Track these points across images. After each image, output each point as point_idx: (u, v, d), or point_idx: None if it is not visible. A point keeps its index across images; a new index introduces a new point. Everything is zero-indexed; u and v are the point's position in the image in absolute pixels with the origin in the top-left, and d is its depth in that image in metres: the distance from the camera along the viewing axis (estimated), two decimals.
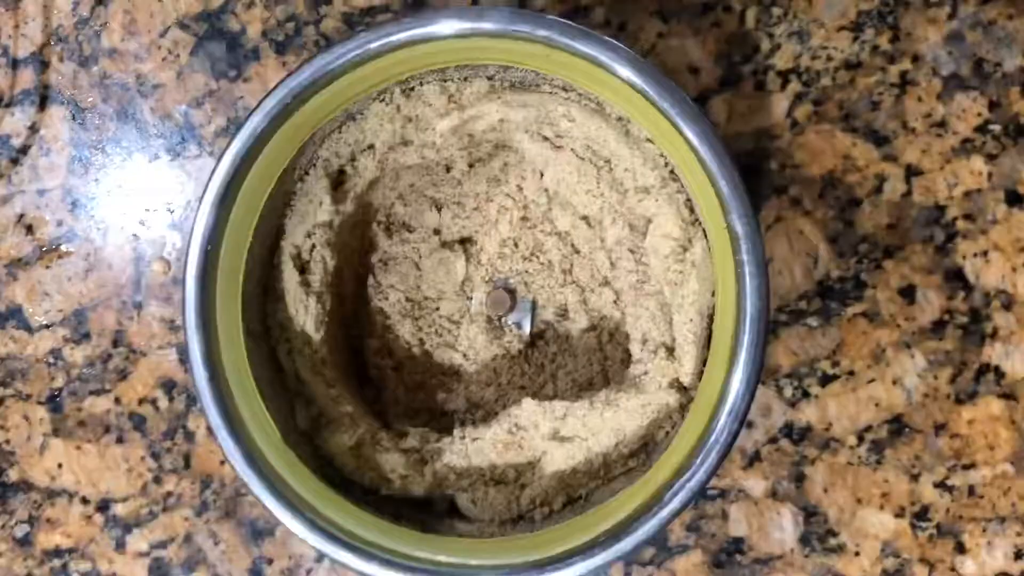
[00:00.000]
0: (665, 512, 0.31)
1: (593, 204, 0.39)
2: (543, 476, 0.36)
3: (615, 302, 0.40)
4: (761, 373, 0.32)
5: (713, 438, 0.32)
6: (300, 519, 0.32)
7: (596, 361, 0.40)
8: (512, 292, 0.41)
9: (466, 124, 0.37)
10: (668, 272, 0.36)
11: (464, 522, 0.36)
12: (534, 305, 0.41)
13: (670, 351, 0.37)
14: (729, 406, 0.32)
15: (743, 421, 0.32)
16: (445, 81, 0.36)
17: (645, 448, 0.37)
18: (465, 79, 0.36)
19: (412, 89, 0.36)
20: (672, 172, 0.36)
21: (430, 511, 0.37)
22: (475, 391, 0.41)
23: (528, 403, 0.36)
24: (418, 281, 0.41)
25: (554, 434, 0.36)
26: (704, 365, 0.35)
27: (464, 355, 0.41)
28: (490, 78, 0.36)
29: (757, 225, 0.31)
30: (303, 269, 0.37)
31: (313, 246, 0.37)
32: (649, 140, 0.36)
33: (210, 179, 0.33)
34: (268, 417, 0.33)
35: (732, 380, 0.32)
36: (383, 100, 0.36)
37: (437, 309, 0.41)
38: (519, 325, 0.41)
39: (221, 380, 0.32)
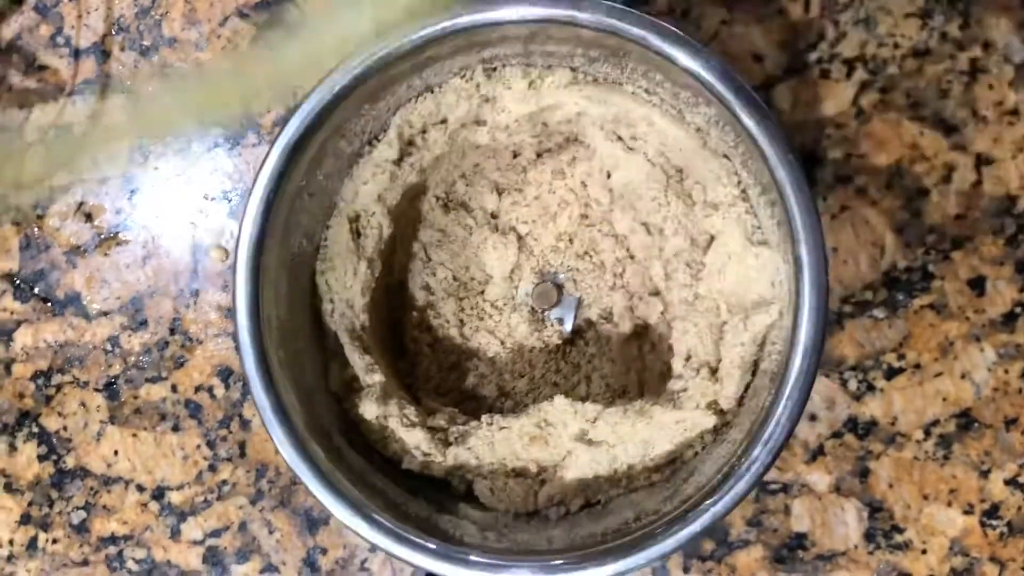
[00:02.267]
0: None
1: (657, 212, 0.38)
2: (564, 476, 0.35)
3: (662, 313, 0.40)
4: (806, 401, 0.31)
5: (744, 466, 0.31)
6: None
7: (634, 370, 0.40)
8: (559, 287, 0.41)
9: (543, 112, 0.36)
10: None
11: (478, 509, 0.35)
12: (579, 303, 0.41)
13: (713, 372, 0.36)
14: (767, 435, 0.31)
15: (778, 454, 0.31)
16: (528, 66, 0.36)
17: (672, 464, 0.36)
18: (549, 67, 0.36)
19: (495, 69, 0.36)
20: (744, 192, 0.35)
21: (448, 492, 0.36)
22: (508, 380, 0.40)
23: (560, 400, 0.36)
24: (468, 262, 0.41)
25: (582, 436, 0.36)
26: (746, 391, 0.35)
27: (502, 342, 0.40)
28: (574, 69, 0.36)
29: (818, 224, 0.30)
30: (358, 233, 0.37)
31: (372, 212, 0.37)
32: (726, 156, 0.35)
33: (283, 128, 0.32)
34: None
35: (777, 405, 0.31)
36: (464, 76, 0.36)
37: (482, 293, 0.41)
38: (561, 321, 0.41)
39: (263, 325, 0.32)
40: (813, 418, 0.42)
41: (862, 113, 0.42)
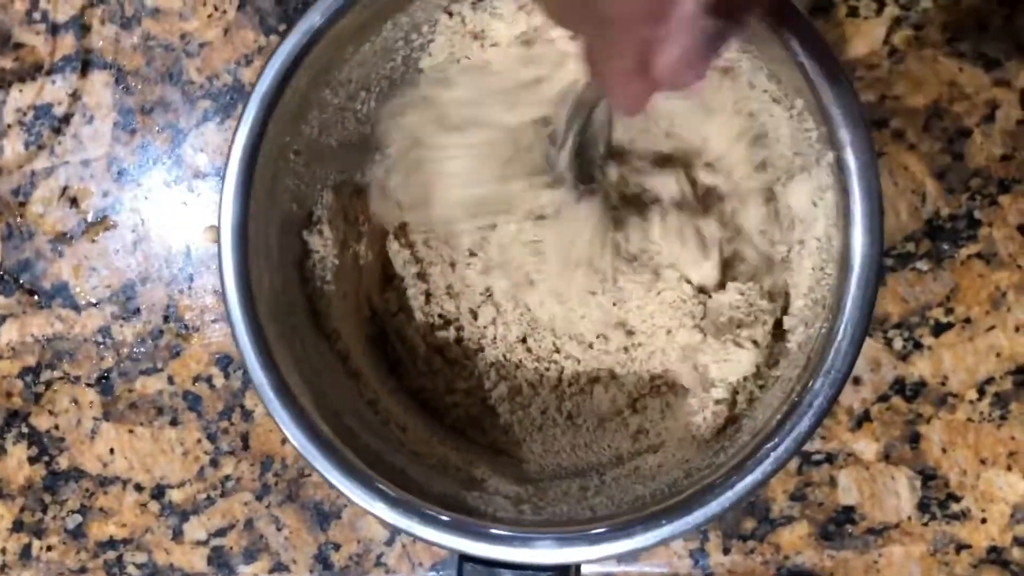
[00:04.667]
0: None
1: None
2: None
3: None
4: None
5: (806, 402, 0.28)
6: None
7: None
8: None
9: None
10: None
11: (509, 478, 0.33)
12: None
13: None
14: (827, 365, 0.28)
15: (841, 386, 0.28)
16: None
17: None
18: None
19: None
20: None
21: (479, 443, 0.35)
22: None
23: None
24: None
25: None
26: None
27: None
28: None
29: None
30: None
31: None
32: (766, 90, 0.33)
33: (262, 73, 0.30)
34: None
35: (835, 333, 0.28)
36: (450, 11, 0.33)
37: None
38: None
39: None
40: (857, 382, 0.39)
41: (895, 52, 0.39)
